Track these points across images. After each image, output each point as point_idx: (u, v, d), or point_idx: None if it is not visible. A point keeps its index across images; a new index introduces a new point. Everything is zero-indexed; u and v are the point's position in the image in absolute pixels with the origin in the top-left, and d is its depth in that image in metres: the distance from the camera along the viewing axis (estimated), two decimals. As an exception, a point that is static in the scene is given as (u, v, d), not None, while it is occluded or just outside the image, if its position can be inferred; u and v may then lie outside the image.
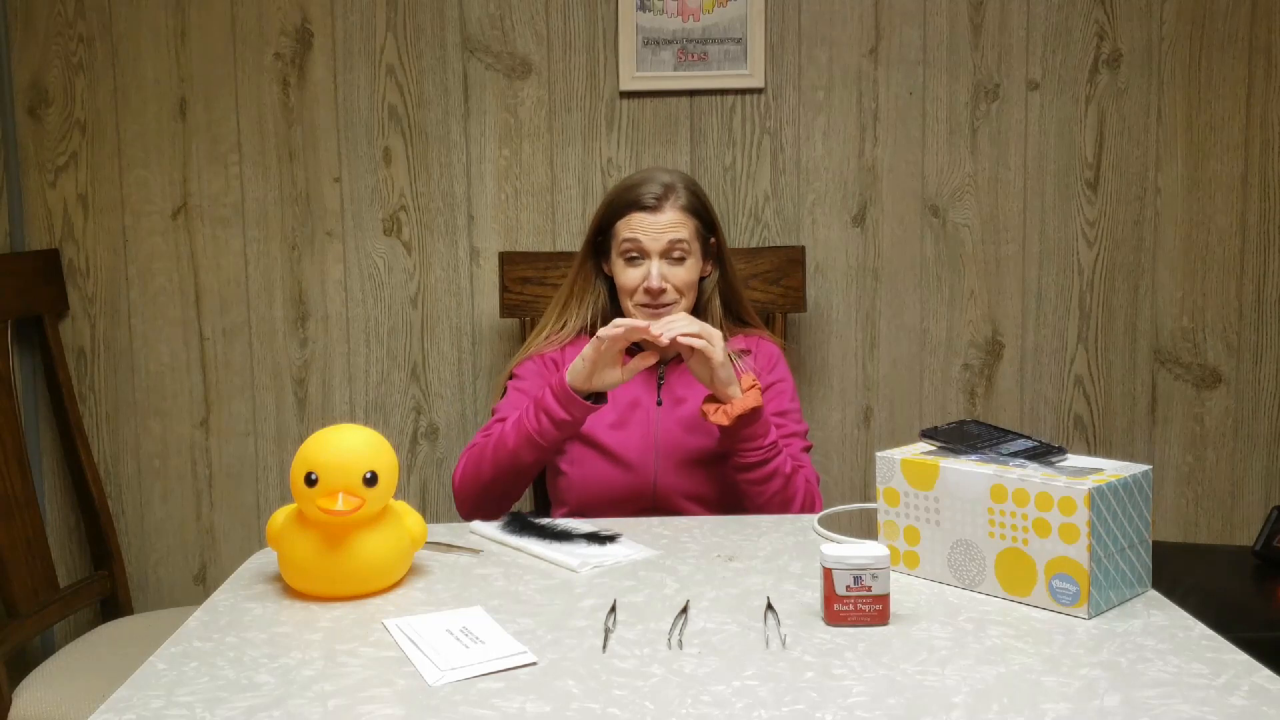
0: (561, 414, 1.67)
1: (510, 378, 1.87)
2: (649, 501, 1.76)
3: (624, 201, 1.80)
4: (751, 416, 1.67)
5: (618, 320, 1.64)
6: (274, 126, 2.25)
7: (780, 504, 1.72)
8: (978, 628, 1.16)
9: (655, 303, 1.77)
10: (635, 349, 1.75)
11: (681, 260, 1.77)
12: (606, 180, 2.24)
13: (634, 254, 1.78)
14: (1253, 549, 1.92)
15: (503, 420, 1.76)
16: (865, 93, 2.25)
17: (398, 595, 1.29)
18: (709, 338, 1.65)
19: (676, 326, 1.65)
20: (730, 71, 2.22)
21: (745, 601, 1.25)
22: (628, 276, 1.78)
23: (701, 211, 1.82)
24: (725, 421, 1.67)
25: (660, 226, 1.76)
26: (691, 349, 1.65)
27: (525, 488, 1.78)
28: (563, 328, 1.87)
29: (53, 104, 2.24)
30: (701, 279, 1.84)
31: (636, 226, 1.77)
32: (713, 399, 1.69)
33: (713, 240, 1.84)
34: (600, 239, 1.84)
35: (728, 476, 1.75)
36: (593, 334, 1.68)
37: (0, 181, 2.22)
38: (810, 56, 2.24)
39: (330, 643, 1.15)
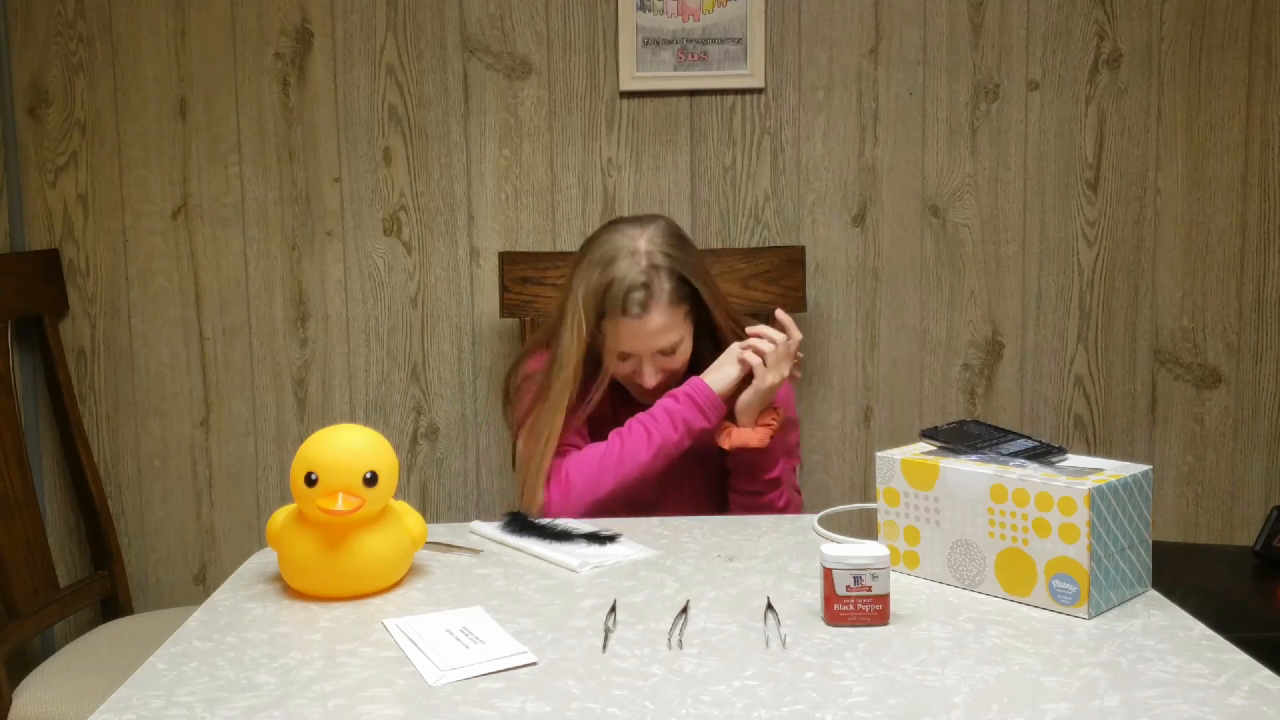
0: (704, 423, 1.67)
1: (523, 379, 1.81)
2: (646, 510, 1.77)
3: (609, 303, 1.67)
4: (748, 452, 1.68)
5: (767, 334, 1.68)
6: (274, 126, 2.25)
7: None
8: (978, 628, 1.16)
9: (650, 396, 1.74)
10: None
11: (674, 351, 1.72)
12: (606, 180, 2.25)
13: (626, 354, 1.72)
14: (1253, 549, 1.92)
15: (581, 435, 1.73)
16: (865, 93, 2.25)
17: (398, 595, 1.29)
18: (759, 373, 1.67)
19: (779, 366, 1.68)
20: (730, 71, 2.22)
21: (745, 601, 1.25)
22: (620, 368, 1.73)
23: (686, 286, 1.71)
24: (725, 446, 1.68)
25: (650, 333, 1.67)
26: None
27: None
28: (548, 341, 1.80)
29: (53, 104, 2.24)
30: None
31: (625, 336, 1.68)
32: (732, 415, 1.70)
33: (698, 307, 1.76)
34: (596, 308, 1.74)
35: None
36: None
37: (0, 181, 2.22)
38: (810, 56, 2.24)
39: (330, 643, 1.15)
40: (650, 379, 1.71)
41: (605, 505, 1.67)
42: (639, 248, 1.68)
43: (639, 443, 1.67)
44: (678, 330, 1.70)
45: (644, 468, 1.66)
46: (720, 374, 1.69)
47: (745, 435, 1.67)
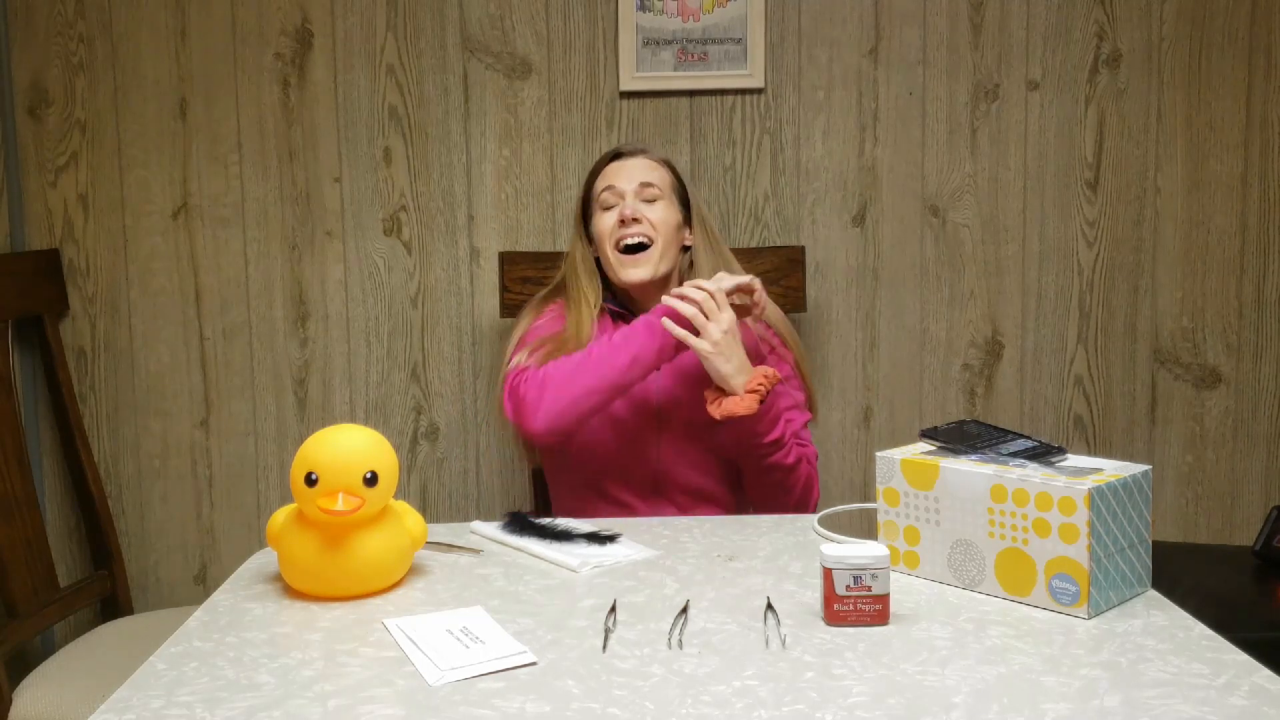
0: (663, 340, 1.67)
1: (533, 317, 1.87)
2: (650, 476, 1.76)
3: (600, 160, 1.89)
4: (742, 421, 1.65)
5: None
6: (274, 126, 2.25)
7: (777, 493, 1.73)
8: (978, 628, 1.16)
9: (630, 235, 1.78)
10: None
11: (654, 202, 1.81)
12: (606, 180, 2.25)
13: (609, 200, 1.82)
14: (1253, 549, 1.92)
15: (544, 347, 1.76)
16: (865, 93, 2.25)
17: (398, 595, 1.29)
18: (701, 326, 1.62)
19: (673, 300, 1.66)
20: (730, 71, 2.22)
21: (745, 601, 1.25)
22: (604, 221, 1.82)
23: (676, 172, 1.88)
24: (716, 416, 1.66)
25: (632, 169, 1.84)
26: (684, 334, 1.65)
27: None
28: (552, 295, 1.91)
29: (53, 104, 2.24)
30: (686, 248, 1.87)
31: (610, 174, 1.85)
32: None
33: (688, 212, 1.87)
34: (586, 211, 1.88)
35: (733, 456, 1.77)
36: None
37: (0, 181, 2.22)
38: (810, 56, 2.24)
39: (330, 643, 1.15)
40: (629, 209, 1.77)
41: (583, 412, 1.67)
42: (644, 144, 1.94)
43: (615, 347, 1.68)
44: (659, 178, 1.84)
45: (621, 371, 1.66)
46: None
47: (733, 404, 1.64)
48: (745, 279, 1.71)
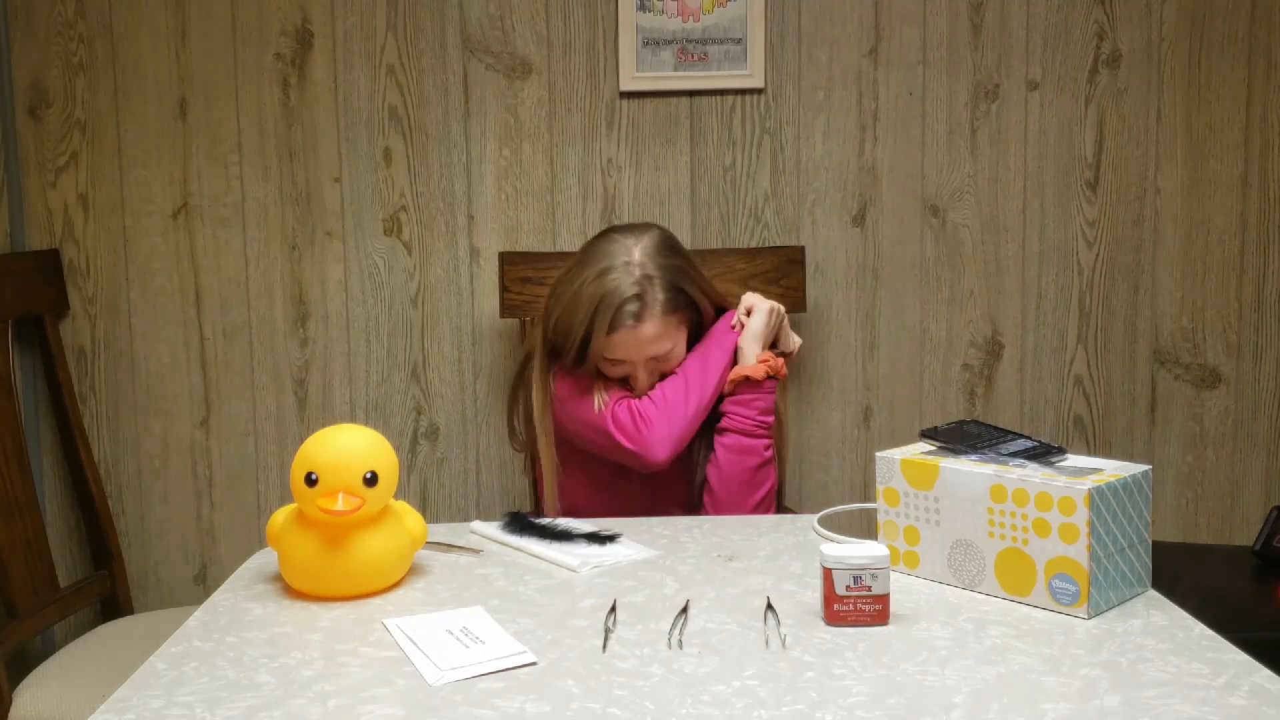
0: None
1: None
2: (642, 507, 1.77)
3: (601, 321, 1.69)
4: (746, 385, 1.76)
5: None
6: (274, 126, 2.25)
7: (745, 490, 1.75)
8: (978, 628, 1.16)
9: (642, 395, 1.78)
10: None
11: (668, 358, 1.77)
12: (606, 180, 2.25)
13: (618, 365, 1.76)
14: (1253, 549, 1.93)
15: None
16: (865, 93, 2.25)
17: (398, 595, 1.29)
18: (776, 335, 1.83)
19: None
20: (730, 71, 2.22)
21: (745, 601, 1.25)
22: (613, 370, 1.77)
23: (681, 295, 1.75)
24: (728, 380, 1.77)
25: (643, 341, 1.72)
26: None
27: None
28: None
29: (53, 104, 2.24)
30: None
31: (620, 348, 1.72)
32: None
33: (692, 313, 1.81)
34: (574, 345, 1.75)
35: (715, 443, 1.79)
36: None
37: (0, 181, 2.22)
38: (810, 56, 2.24)
39: (330, 643, 1.15)
40: (644, 383, 1.76)
41: (691, 434, 1.76)
42: (633, 259, 1.72)
43: (707, 373, 1.78)
44: (670, 338, 1.75)
45: (714, 394, 1.77)
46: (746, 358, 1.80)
47: (745, 368, 1.77)
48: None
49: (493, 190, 2.26)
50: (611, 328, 1.69)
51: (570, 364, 1.76)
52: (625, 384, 1.79)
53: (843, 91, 2.25)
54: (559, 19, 2.23)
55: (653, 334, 1.71)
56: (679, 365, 1.78)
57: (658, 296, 1.71)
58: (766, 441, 1.77)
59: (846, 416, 2.31)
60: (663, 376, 1.79)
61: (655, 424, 1.72)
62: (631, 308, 1.69)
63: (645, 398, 1.75)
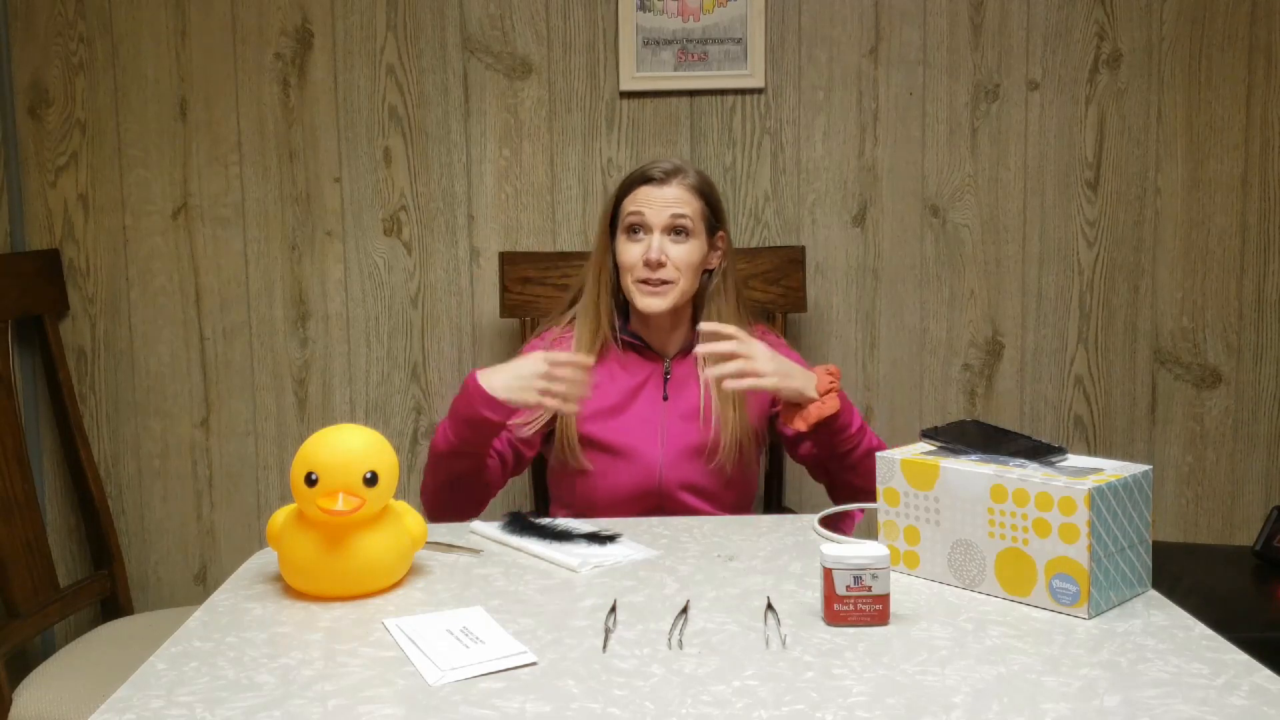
0: (471, 410, 1.61)
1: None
2: (655, 499, 1.76)
3: (634, 178, 1.81)
4: (830, 421, 1.65)
5: (578, 358, 1.64)
6: (274, 126, 2.25)
7: (868, 481, 1.63)
8: (978, 628, 1.16)
9: (653, 277, 1.75)
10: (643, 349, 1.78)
11: (684, 238, 1.76)
12: (607, 180, 2.25)
13: (637, 227, 1.78)
14: (1253, 549, 1.93)
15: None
16: (865, 93, 2.25)
17: (398, 595, 1.29)
18: (754, 372, 1.61)
19: (719, 370, 1.61)
20: (730, 71, 2.22)
21: (745, 601, 1.25)
22: (628, 253, 1.78)
23: (709, 196, 1.81)
24: (804, 428, 1.66)
25: (664, 200, 1.76)
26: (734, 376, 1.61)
27: (484, 491, 1.75)
28: (570, 305, 1.87)
29: (53, 104, 2.24)
30: (707, 271, 1.83)
31: (641, 199, 1.78)
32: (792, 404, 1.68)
33: (720, 234, 1.82)
34: (613, 221, 1.83)
35: (819, 463, 1.76)
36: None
37: (0, 181, 2.22)
38: (810, 56, 2.24)
39: (330, 643, 1.15)
40: (655, 251, 1.74)
41: (449, 502, 1.73)
42: (673, 159, 1.83)
43: (438, 438, 1.69)
44: (692, 210, 1.77)
45: (440, 454, 1.68)
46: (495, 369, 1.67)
47: (817, 410, 1.65)
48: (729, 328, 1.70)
49: (493, 190, 2.26)
50: (642, 179, 1.79)
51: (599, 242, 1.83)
52: (639, 282, 1.77)
53: (843, 91, 2.25)
54: (559, 19, 2.23)
55: (675, 196, 1.77)
56: (682, 263, 1.75)
57: (689, 177, 1.80)
58: (867, 435, 1.72)
59: (846, 416, 2.31)
60: (668, 298, 1.76)
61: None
62: (664, 166, 1.80)
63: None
